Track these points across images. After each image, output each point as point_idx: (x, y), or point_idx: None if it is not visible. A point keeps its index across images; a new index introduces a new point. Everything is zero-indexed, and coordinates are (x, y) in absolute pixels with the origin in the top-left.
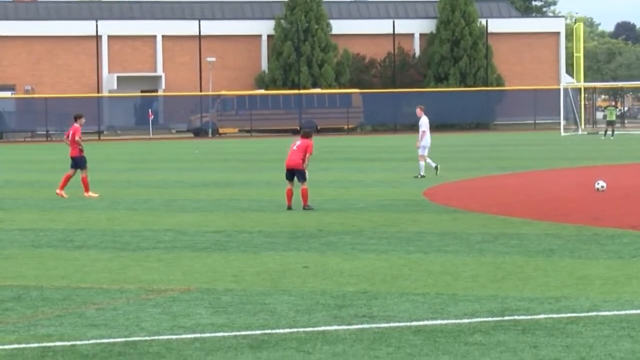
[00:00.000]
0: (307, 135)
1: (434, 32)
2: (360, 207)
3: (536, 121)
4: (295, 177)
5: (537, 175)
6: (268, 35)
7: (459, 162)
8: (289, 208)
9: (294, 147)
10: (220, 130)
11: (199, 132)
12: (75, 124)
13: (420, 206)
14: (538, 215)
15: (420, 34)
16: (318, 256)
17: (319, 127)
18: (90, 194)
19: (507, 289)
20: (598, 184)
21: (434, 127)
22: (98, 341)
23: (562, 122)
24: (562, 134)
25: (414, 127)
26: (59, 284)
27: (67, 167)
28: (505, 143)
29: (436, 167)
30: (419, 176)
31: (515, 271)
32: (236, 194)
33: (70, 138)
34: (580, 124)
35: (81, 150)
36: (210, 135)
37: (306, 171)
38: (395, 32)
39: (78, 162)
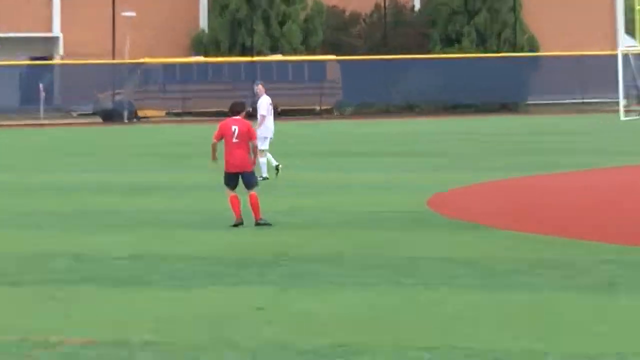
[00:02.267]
0: (237, 111)
1: None
2: (338, 222)
3: (584, 100)
4: (242, 182)
5: (588, 177)
6: None
7: (476, 159)
8: (238, 223)
9: (234, 140)
10: (140, 113)
11: (110, 116)
12: None
13: (423, 220)
14: (593, 234)
15: None
16: (277, 293)
17: (279, 109)
18: None
19: (550, 341)
20: None
21: (442, 109)
22: None
23: (622, 102)
24: (622, 117)
25: (413, 108)
26: None
27: None
28: (541, 131)
29: (277, 167)
30: (261, 178)
31: (560, 315)
32: (161, 203)
33: None
34: None
35: None
36: (126, 120)
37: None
38: None
39: None
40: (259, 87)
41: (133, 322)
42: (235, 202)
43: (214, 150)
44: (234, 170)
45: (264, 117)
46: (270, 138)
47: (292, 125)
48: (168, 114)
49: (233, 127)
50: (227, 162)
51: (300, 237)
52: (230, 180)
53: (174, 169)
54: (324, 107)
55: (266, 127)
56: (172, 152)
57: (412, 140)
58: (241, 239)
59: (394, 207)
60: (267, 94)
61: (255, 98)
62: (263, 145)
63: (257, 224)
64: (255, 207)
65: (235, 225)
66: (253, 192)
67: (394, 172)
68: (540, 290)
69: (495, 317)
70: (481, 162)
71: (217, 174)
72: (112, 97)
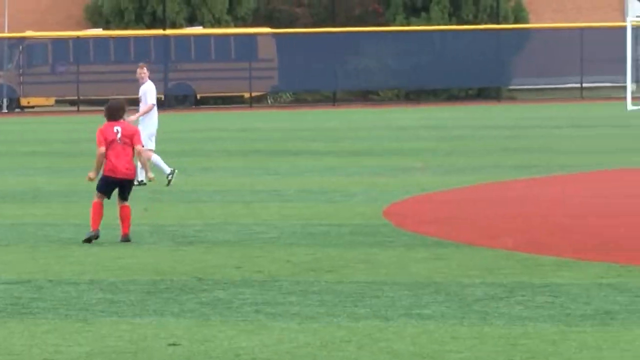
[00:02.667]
0: (115, 116)
1: None
2: (271, 238)
3: (583, 85)
4: (119, 192)
5: (585, 181)
6: None
7: (445, 157)
8: (93, 237)
9: (118, 140)
10: (23, 101)
11: None
12: None
13: (379, 235)
14: (585, 251)
15: None
16: (195, 325)
17: (198, 96)
18: None
19: None
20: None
21: (404, 96)
22: None
23: (630, 87)
24: (629, 107)
25: (367, 95)
26: None
27: None
28: (526, 124)
29: (171, 173)
30: (137, 183)
31: (545, 351)
32: (50, 214)
33: None
34: None
35: None
36: (5, 110)
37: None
38: None
39: None
40: (142, 71)
41: None
42: (99, 211)
43: (101, 161)
44: (119, 177)
45: (153, 106)
46: (154, 135)
47: (215, 117)
48: (58, 102)
49: (115, 129)
50: (111, 167)
51: (223, 258)
52: (109, 186)
53: (64, 172)
54: (254, 94)
55: (152, 121)
56: (63, 151)
57: (365, 136)
58: (151, 258)
59: (342, 218)
60: (184, 76)
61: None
62: (151, 141)
63: (124, 240)
64: (127, 219)
65: (88, 240)
66: (128, 203)
67: (343, 176)
68: (521, 322)
69: (465, 354)
70: (451, 162)
71: None
72: None
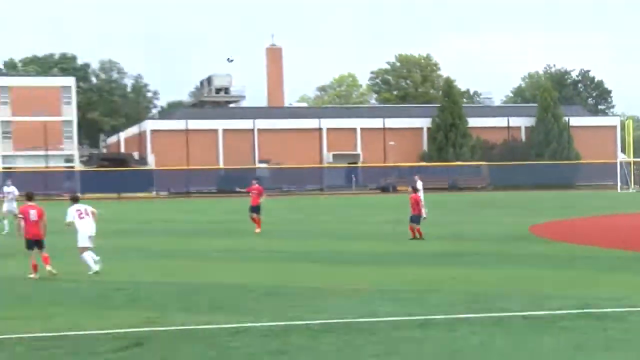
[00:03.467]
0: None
1: (534, 125)
2: None
3: (601, 183)
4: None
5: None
6: (427, 127)
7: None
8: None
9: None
10: None
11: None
12: (254, 185)
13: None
14: None
15: (525, 127)
16: None
17: (460, 186)
18: None
19: None
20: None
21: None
22: None
23: (619, 184)
24: (618, 190)
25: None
26: None
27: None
28: (582, 197)
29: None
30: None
31: None
32: None
33: (255, 192)
34: (631, 185)
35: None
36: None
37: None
38: (510, 125)
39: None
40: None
41: None
42: (34, 261)
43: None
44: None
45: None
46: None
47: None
48: None
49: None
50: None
51: None
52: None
53: None
54: (480, 186)
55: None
56: None
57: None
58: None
59: None
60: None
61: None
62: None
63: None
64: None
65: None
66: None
67: None
68: None
69: None
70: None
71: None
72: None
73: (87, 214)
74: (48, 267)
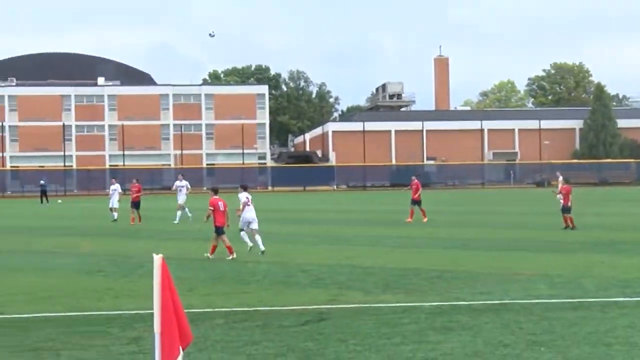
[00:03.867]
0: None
1: None
2: None
3: None
4: None
5: None
6: (579, 128)
7: None
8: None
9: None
10: None
11: None
12: (414, 181)
13: None
14: None
15: None
16: None
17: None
18: None
19: None
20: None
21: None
22: None
23: None
24: None
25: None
26: None
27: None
28: None
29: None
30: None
31: None
32: None
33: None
34: None
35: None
36: None
37: None
38: None
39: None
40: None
41: None
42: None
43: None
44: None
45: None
46: None
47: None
48: None
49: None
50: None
51: None
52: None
53: None
54: (628, 181)
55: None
56: None
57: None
58: None
59: None
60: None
61: None
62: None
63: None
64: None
65: None
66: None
67: None
68: None
69: None
70: None
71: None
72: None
73: (249, 204)
74: (210, 255)
